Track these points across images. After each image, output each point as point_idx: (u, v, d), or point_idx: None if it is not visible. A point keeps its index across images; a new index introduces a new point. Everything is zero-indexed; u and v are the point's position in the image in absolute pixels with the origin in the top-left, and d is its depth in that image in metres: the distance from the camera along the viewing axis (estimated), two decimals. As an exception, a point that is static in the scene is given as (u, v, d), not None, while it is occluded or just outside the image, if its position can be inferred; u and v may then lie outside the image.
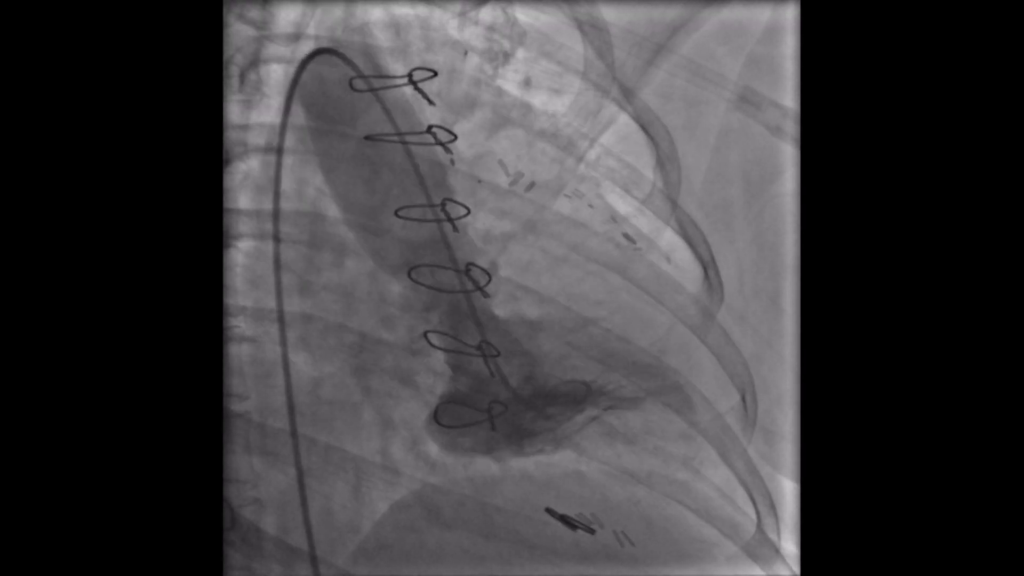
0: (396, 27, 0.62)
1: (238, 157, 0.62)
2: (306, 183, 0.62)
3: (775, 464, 0.63)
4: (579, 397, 0.62)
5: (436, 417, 0.62)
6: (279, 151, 0.62)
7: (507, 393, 0.62)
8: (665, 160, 0.63)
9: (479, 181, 0.62)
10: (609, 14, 0.62)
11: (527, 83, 0.62)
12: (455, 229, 0.62)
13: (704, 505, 0.63)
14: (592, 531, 0.62)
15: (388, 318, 0.62)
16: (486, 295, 0.62)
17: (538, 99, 0.62)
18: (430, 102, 0.61)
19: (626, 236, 0.62)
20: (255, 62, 0.62)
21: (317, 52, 0.61)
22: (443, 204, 0.62)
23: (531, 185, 0.62)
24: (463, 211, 0.62)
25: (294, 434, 0.62)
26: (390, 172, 0.62)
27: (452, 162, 0.62)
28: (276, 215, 0.62)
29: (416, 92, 0.61)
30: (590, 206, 0.62)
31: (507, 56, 0.62)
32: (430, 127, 0.61)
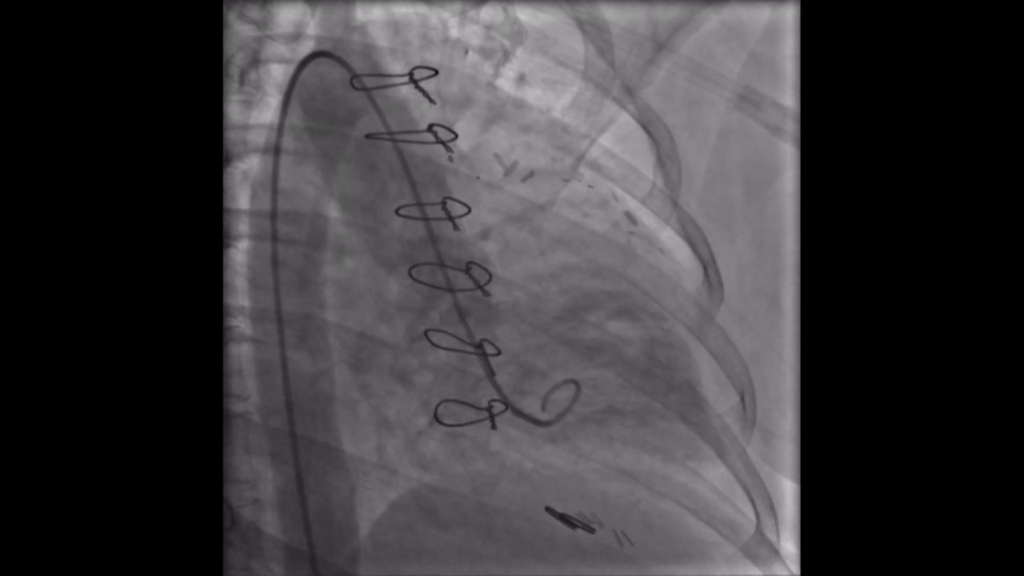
0: (396, 26, 0.62)
1: (238, 157, 0.62)
2: (305, 182, 0.62)
3: (774, 464, 0.63)
4: (572, 397, 0.63)
5: (436, 416, 0.62)
6: (277, 151, 0.62)
7: (502, 394, 0.62)
8: (666, 159, 0.63)
9: (477, 178, 0.62)
10: (609, 13, 0.62)
11: (526, 82, 0.62)
12: (455, 227, 0.62)
13: (703, 505, 0.63)
14: (592, 530, 0.62)
15: (388, 317, 0.62)
16: (486, 294, 0.62)
17: (538, 98, 0.62)
18: (431, 101, 0.61)
19: (627, 215, 0.62)
20: (255, 62, 0.62)
21: (316, 55, 0.61)
22: (444, 202, 0.62)
23: (530, 174, 0.62)
24: (464, 209, 0.62)
25: (293, 434, 0.62)
26: (390, 171, 0.62)
27: (451, 160, 0.62)
28: (275, 214, 0.62)
29: (417, 91, 0.61)
30: (589, 187, 0.62)
31: (507, 55, 0.62)
32: (431, 126, 0.61)
